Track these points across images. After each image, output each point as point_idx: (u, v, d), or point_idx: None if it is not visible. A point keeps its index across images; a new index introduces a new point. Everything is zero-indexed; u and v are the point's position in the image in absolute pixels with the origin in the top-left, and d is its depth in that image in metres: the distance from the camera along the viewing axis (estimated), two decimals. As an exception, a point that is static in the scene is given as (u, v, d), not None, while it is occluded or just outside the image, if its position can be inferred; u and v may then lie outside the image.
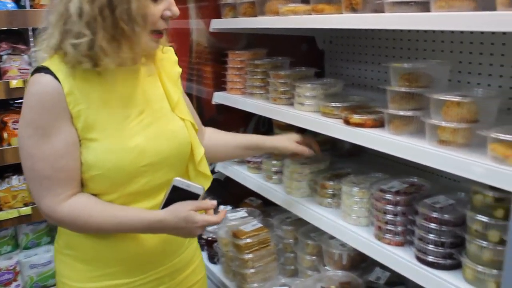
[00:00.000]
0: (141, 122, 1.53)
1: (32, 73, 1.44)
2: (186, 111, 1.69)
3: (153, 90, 1.62)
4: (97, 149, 1.45)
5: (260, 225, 2.32)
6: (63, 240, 1.62)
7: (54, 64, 1.44)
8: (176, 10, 1.49)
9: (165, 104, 1.63)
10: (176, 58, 1.76)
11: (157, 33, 1.49)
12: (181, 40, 2.71)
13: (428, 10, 1.43)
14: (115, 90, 1.50)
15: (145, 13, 1.42)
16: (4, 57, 3.35)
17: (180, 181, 1.50)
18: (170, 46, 1.73)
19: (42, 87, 1.41)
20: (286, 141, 2.01)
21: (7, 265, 3.49)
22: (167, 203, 1.50)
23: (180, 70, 1.76)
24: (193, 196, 1.50)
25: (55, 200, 1.45)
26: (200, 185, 1.52)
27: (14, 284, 3.53)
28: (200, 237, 2.75)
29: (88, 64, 1.41)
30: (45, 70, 1.42)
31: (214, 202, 1.53)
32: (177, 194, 1.49)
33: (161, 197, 1.53)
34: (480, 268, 1.39)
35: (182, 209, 1.47)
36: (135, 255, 1.59)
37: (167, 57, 1.72)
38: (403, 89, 1.62)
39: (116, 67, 1.45)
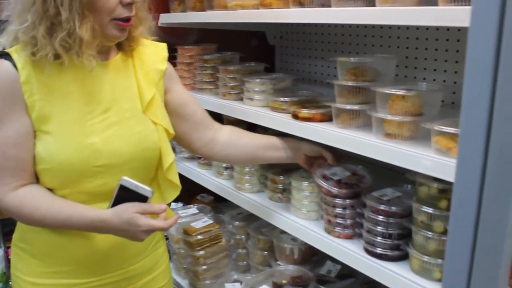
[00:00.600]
0: (104, 121, 1.48)
1: None
2: (160, 114, 1.61)
3: (124, 88, 1.55)
4: (49, 143, 1.41)
5: (211, 221, 2.30)
6: (19, 233, 1.59)
7: (16, 51, 1.41)
8: None
9: (137, 104, 1.57)
10: (166, 55, 1.70)
11: (122, 21, 1.43)
12: (129, 35, 2.65)
13: (373, 5, 1.45)
14: (79, 85, 1.46)
15: (95, 1, 1.37)
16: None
17: (128, 181, 1.43)
18: (157, 41, 1.70)
19: None
20: (311, 143, 1.79)
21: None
22: (115, 203, 1.43)
23: (163, 68, 1.67)
24: (142, 199, 1.43)
25: (3, 189, 1.43)
26: (149, 188, 1.44)
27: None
28: (151, 235, 2.71)
29: (49, 55, 1.37)
30: (6, 56, 1.40)
31: (163, 206, 1.44)
32: (126, 195, 1.43)
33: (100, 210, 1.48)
34: (426, 258, 1.41)
35: (127, 210, 1.40)
36: (88, 256, 1.54)
37: (152, 52, 1.66)
38: (349, 83, 1.63)
39: (84, 60, 1.41)
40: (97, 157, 1.45)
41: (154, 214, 1.45)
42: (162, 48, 1.70)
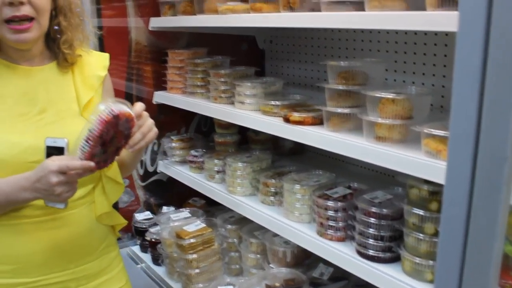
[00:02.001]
0: (40, 121, 1.53)
1: None
2: None
3: (61, 91, 1.60)
4: None
5: (203, 225, 2.30)
6: None
7: None
8: None
9: (74, 106, 1.61)
10: (106, 64, 1.73)
11: (13, 23, 1.43)
12: (119, 39, 2.65)
13: (363, 9, 1.46)
14: (13, 88, 1.52)
15: None
16: None
17: (49, 139, 1.44)
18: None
19: None
20: None
21: None
22: None
23: (103, 74, 1.70)
24: (60, 151, 1.43)
25: None
26: (65, 139, 1.43)
27: None
28: (143, 239, 2.71)
29: None
30: None
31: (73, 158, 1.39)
32: (51, 155, 1.42)
33: None
34: (417, 259, 1.43)
35: (43, 161, 1.39)
36: (30, 255, 1.54)
37: (94, 61, 1.70)
38: (340, 87, 1.65)
39: (12, 65, 1.51)
40: (31, 154, 1.46)
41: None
42: (104, 58, 1.75)
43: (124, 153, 1.54)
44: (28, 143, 1.48)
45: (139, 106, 1.47)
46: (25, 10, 1.42)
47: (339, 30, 2.28)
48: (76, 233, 1.61)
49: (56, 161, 1.36)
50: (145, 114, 1.49)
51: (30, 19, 1.44)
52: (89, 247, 1.66)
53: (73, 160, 1.37)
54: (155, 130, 1.52)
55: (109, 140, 1.37)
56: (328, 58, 2.38)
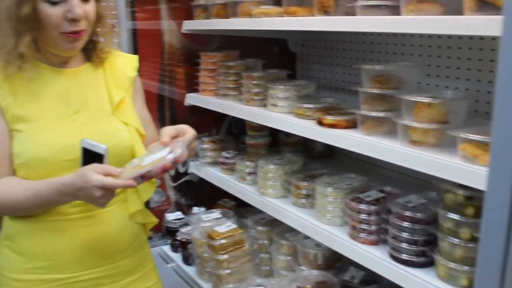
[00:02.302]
0: (75, 121, 1.58)
1: None
2: (131, 116, 1.70)
3: (94, 91, 1.66)
4: (21, 139, 1.52)
5: (234, 226, 2.32)
6: (3, 231, 1.66)
7: None
8: (77, 11, 1.47)
9: (106, 106, 1.66)
10: (136, 65, 1.79)
11: (71, 34, 1.50)
12: (152, 41, 2.70)
13: (398, 13, 1.46)
14: (49, 89, 1.58)
15: (40, 17, 1.46)
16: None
17: (86, 142, 1.48)
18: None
19: None
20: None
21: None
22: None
23: (133, 75, 1.76)
24: (99, 158, 1.46)
25: None
26: (104, 145, 1.47)
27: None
28: (174, 239, 2.74)
29: (10, 68, 1.50)
30: None
31: (119, 169, 1.44)
32: (88, 157, 1.47)
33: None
34: (452, 265, 1.42)
35: (82, 169, 1.42)
36: (68, 251, 1.59)
37: (123, 62, 1.76)
38: (375, 91, 1.65)
39: (50, 68, 1.58)
40: (68, 152, 1.52)
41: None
42: (133, 59, 1.81)
43: None
44: (65, 142, 1.53)
45: (192, 135, 1.57)
46: (82, 25, 1.51)
47: (371, 33, 2.27)
48: (110, 231, 1.65)
49: (99, 177, 1.38)
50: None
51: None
52: (122, 244, 1.69)
53: (115, 180, 1.40)
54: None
55: None
56: (359, 62, 2.38)
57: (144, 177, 1.41)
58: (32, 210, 1.54)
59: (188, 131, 1.57)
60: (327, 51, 2.62)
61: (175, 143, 1.49)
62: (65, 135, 1.54)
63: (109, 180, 1.39)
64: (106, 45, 1.69)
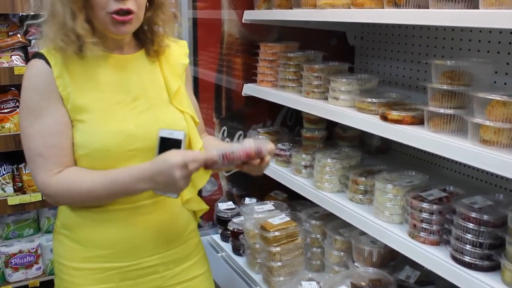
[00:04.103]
0: (135, 109, 1.58)
1: (30, 59, 1.55)
2: (186, 103, 1.69)
3: (151, 79, 1.65)
4: (84, 130, 1.51)
5: (288, 218, 2.31)
6: (60, 220, 1.67)
7: (48, 50, 1.52)
8: None
9: (164, 94, 1.66)
10: (187, 51, 1.78)
11: (115, 15, 1.47)
12: (212, 31, 2.70)
13: (476, 7, 1.41)
14: (108, 76, 1.57)
15: None
16: (33, 41, 3.38)
17: (164, 131, 1.49)
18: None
19: (35, 71, 1.52)
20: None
21: (29, 248, 3.52)
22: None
23: (186, 62, 1.75)
24: (177, 144, 1.47)
25: (47, 175, 1.50)
26: (181, 131, 1.48)
27: (35, 266, 3.57)
28: (225, 228, 2.75)
29: (70, 49, 1.49)
30: (40, 55, 1.52)
31: (197, 152, 1.46)
32: (165, 146, 1.47)
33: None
34: (520, 270, 1.37)
35: (163, 154, 1.43)
36: (125, 240, 1.60)
37: (176, 48, 1.74)
38: (445, 87, 1.60)
39: (107, 54, 1.56)
40: (131, 142, 1.53)
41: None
42: (184, 45, 1.79)
43: None
44: (128, 132, 1.53)
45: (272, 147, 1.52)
46: (130, 4, 1.47)
47: (436, 28, 2.21)
48: (166, 218, 1.66)
49: (179, 156, 1.40)
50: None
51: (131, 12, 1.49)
52: (177, 232, 1.70)
53: (196, 152, 1.43)
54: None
55: None
56: (422, 57, 2.33)
57: (225, 157, 1.42)
58: (103, 199, 1.55)
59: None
60: (388, 44, 2.56)
61: (255, 141, 1.51)
62: (127, 124, 1.54)
63: (190, 153, 1.42)
64: (161, 32, 1.66)
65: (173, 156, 1.40)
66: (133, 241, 1.61)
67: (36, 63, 1.52)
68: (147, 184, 1.47)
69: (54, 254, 1.71)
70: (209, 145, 1.71)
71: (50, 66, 1.50)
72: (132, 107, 1.58)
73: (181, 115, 1.66)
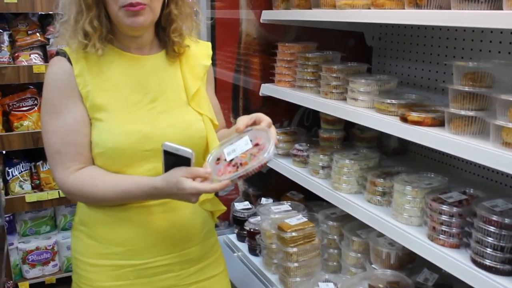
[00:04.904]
0: (152, 110, 1.59)
1: (53, 56, 1.59)
2: (205, 106, 1.69)
3: (171, 80, 1.65)
4: (101, 129, 1.53)
5: (305, 219, 2.30)
6: (78, 216, 1.69)
7: (71, 48, 1.55)
8: None
9: (182, 95, 1.66)
10: (210, 53, 1.77)
11: (128, 6, 1.46)
12: (230, 30, 2.70)
13: (499, 8, 1.39)
14: (127, 77, 1.58)
15: None
16: (51, 40, 3.41)
17: (169, 145, 1.44)
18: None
19: (56, 69, 1.55)
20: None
21: (45, 245, 3.57)
22: (167, 169, 1.47)
23: (208, 64, 1.75)
24: (185, 161, 1.44)
25: (65, 172, 1.53)
26: (189, 149, 1.43)
27: (51, 263, 3.62)
28: (242, 228, 2.75)
29: (87, 47, 1.50)
30: (62, 53, 1.56)
31: (208, 170, 1.43)
32: (171, 160, 1.45)
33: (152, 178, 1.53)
34: (543, 275, 1.36)
35: (174, 174, 1.42)
36: (141, 238, 1.61)
37: (199, 50, 1.74)
38: (467, 89, 1.58)
39: (124, 53, 1.58)
40: (147, 142, 1.54)
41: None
42: (207, 46, 1.78)
43: None
44: (144, 132, 1.54)
45: (268, 123, 1.54)
46: None
47: (456, 29, 2.19)
48: (182, 218, 1.67)
49: (194, 184, 1.40)
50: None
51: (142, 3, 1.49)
52: (193, 231, 1.71)
53: (211, 185, 1.41)
54: None
55: None
56: (442, 58, 2.31)
57: (241, 177, 1.43)
58: (116, 203, 1.58)
59: (263, 119, 1.55)
60: (406, 45, 2.55)
61: (254, 131, 1.50)
62: (144, 124, 1.55)
63: (206, 187, 1.41)
64: (180, 31, 1.65)
65: (186, 183, 1.40)
66: (148, 239, 1.62)
67: (57, 61, 1.55)
68: (159, 199, 1.54)
69: (71, 250, 1.73)
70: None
71: (71, 64, 1.52)
72: (149, 108, 1.59)
73: (199, 117, 1.66)
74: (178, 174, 1.41)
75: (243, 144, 1.48)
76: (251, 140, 1.48)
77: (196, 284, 1.73)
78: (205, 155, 1.62)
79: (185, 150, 1.43)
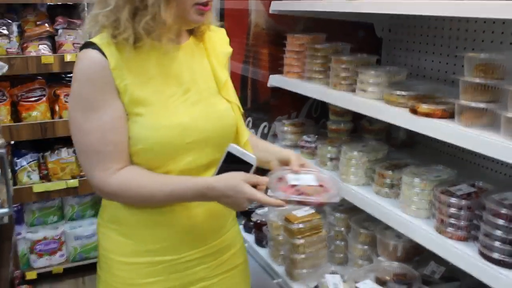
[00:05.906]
0: (187, 101, 1.54)
1: (81, 49, 1.48)
2: (232, 93, 1.68)
3: (200, 69, 1.62)
4: (142, 124, 1.47)
5: (312, 211, 2.30)
6: (107, 214, 1.64)
7: (101, 39, 1.46)
8: None
9: (212, 84, 1.63)
10: (227, 39, 1.75)
11: (201, 5, 1.47)
12: (239, 21, 2.69)
13: (512, -2, 1.37)
14: (160, 68, 1.52)
15: None
16: (60, 31, 3.41)
17: (235, 148, 1.45)
18: (221, 27, 1.75)
19: (89, 62, 1.44)
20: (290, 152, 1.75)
21: (53, 235, 3.59)
22: (220, 171, 1.47)
23: (230, 51, 1.74)
24: (246, 166, 1.45)
25: (105, 173, 1.46)
26: (253, 155, 1.46)
27: (58, 253, 3.64)
28: (248, 219, 2.75)
29: (130, 38, 1.43)
30: (92, 45, 1.45)
31: (267, 179, 1.46)
32: (231, 162, 1.45)
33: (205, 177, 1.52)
34: (552, 269, 1.35)
35: (234, 177, 1.42)
36: (174, 233, 1.59)
37: (218, 37, 1.71)
38: (477, 80, 1.57)
39: (162, 43, 1.48)
40: (188, 135, 1.50)
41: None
42: (224, 33, 1.76)
43: None
44: (184, 124, 1.50)
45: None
46: None
47: (467, 20, 2.17)
48: (213, 208, 1.61)
49: (253, 191, 1.40)
50: None
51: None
52: (223, 219, 1.70)
53: (269, 199, 1.43)
54: None
55: None
56: (452, 50, 2.29)
57: (299, 203, 1.47)
58: (162, 204, 1.54)
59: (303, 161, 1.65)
60: (416, 37, 2.53)
61: (318, 174, 1.59)
62: (182, 116, 1.51)
63: (263, 198, 1.41)
64: (211, 18, 1.65)
65: (246, 188, 1.40)
66: (185, 235, 1.60)
67: (89, 53, 1.44)
68: (209, 200, 1.48)
69: (100, 248, 1.68)
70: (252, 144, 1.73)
71: (105, 57, 1.43)
72: (184, 100, 1.54)
73: (229, 105, 1.64)
74: (239, 177, 1.41)
75: (309, 180, 1.53)
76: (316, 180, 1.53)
77: (222, 274, 1.73)
78: (234, 142, 1.61)
79: (250, 156, 1.45)
